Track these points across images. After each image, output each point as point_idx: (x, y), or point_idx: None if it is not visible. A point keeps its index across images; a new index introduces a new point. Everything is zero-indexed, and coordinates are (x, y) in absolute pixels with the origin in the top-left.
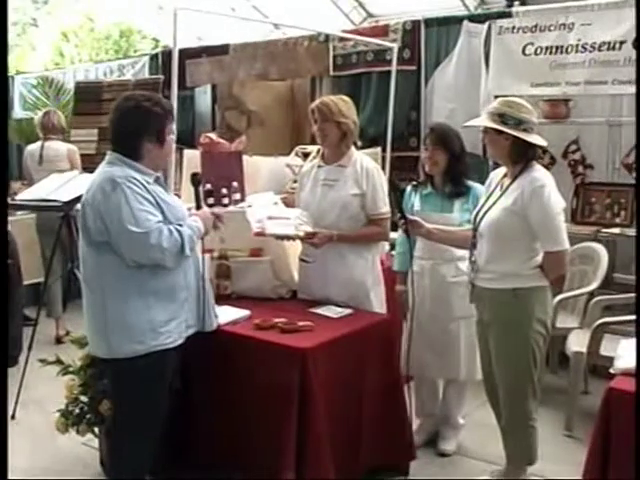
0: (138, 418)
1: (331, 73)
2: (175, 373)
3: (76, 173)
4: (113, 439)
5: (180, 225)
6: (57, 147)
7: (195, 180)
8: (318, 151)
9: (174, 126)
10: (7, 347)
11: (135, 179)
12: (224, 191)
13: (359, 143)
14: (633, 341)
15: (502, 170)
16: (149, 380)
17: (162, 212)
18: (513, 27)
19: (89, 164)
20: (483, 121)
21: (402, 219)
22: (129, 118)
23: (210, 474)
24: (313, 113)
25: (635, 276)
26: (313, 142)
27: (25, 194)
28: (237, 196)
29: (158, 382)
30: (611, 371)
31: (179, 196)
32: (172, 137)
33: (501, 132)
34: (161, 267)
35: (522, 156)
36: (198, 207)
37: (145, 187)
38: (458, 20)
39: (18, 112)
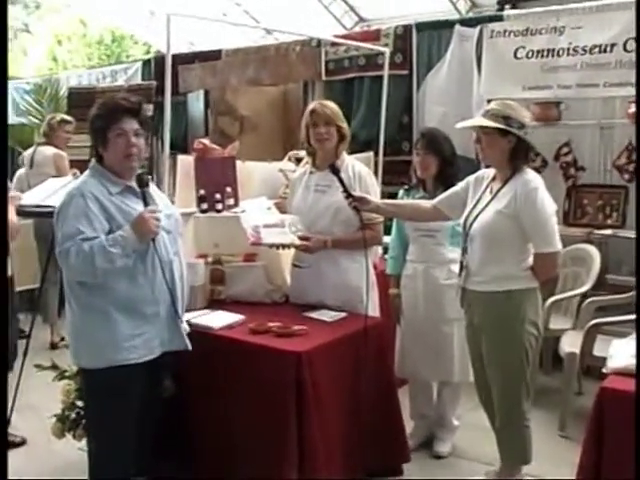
0: (104, 428)
1: (323, 78)
2: (168, 379)
3: (71, 179)
4: (88, 445)
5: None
6: (45, 152)
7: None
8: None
9: (132, 124)
10: (7, 352)
11: (91, 192)
12: (218, 196)
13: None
14: (625, 341)
15: (490, 172)
16: (112, 394)
17: (115, 226)
18: (504, 31)
19: (84, 169)
20: (489, 122)
21: (349, 197)
22: (89, 128)
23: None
24: (312, 115)
25: (635, 276)
26: None
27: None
28: (231, 201)
29: (122, 397)
30: (604, 371)
31: (173, 202)
32: (124, 137)
33: (505, 134)
34: (124, 279)
35: (521, 159)
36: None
37: (98, 200)
38: (450, 24)
39: (11, 118)
